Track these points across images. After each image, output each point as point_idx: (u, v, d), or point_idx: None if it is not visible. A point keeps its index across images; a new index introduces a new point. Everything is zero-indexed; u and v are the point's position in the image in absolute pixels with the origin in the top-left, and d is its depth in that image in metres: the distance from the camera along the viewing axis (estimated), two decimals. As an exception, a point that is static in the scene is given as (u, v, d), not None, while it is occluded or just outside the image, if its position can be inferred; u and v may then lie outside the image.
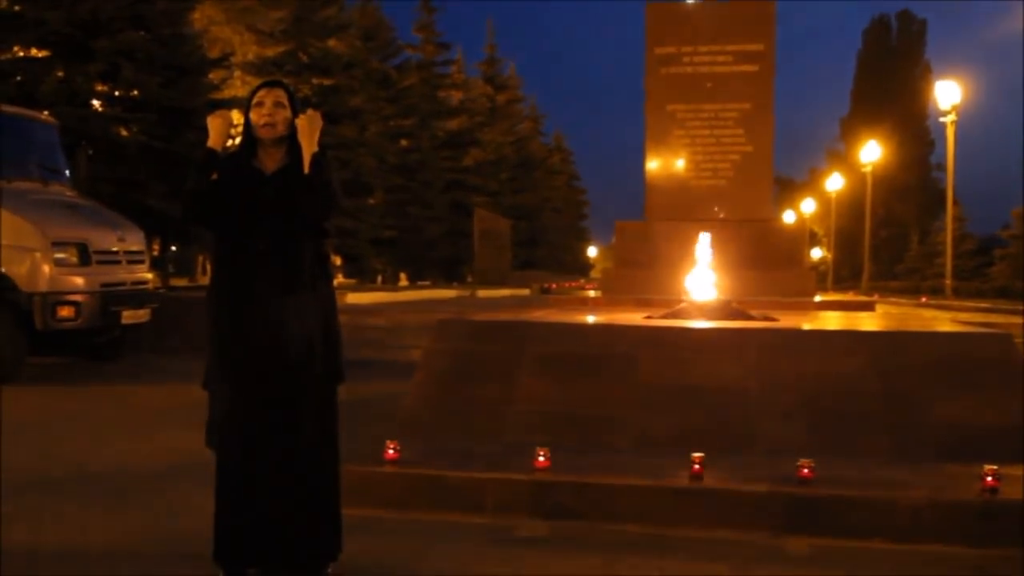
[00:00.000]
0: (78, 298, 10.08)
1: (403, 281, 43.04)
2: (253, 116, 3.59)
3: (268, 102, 3.59)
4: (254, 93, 3.64)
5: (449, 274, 43.94)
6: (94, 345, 11.36)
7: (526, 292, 31.77)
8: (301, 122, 3.57)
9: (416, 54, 46.14)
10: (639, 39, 11.68)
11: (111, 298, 10.55)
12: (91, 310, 10.22)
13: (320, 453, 3.59)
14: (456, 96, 50.67)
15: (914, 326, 7.20)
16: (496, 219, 39.12)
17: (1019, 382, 5.54)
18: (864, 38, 66.72)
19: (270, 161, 3.62)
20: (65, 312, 9.93)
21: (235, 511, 3.52)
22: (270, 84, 3.71)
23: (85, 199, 11.80)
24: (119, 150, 20.31)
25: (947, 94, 24.99)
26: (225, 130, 3.64)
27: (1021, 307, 18.01)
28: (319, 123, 3.61)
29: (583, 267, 74.95)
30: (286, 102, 3.62)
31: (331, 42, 33.43)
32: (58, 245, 10.05)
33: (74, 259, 10.21)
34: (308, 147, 3.54)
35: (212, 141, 3.59)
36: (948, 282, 25.26)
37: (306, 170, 3.51)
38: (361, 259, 33.45)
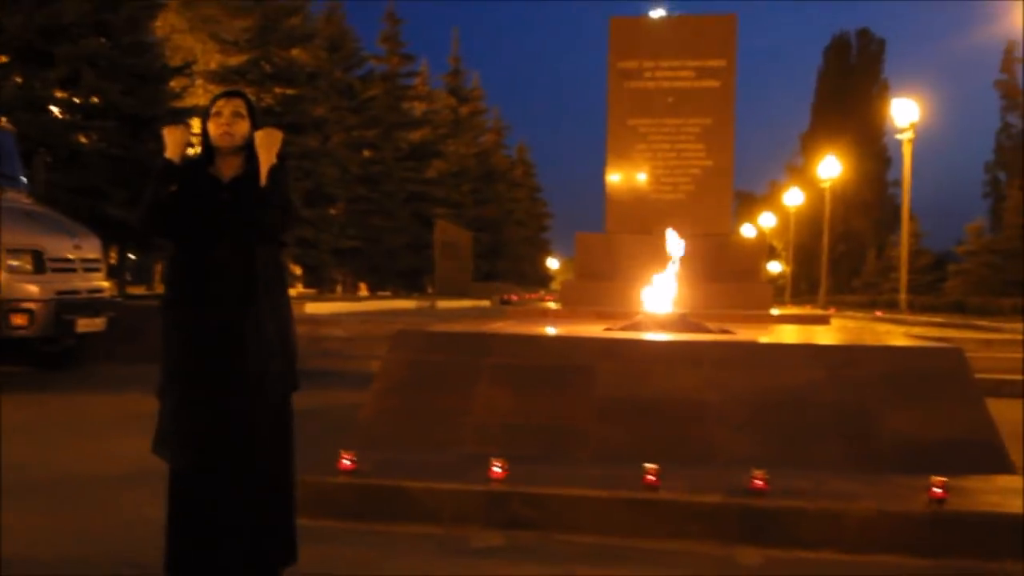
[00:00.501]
0: (32, 306, 9.97)
1: (363, 291, 42.87)
2: (211, 126, 3.58)
3: (226, 112, 3.58)
4: (213, 103, 3.63)
5: (410, 285, 43.82)
6: (48, 354, 11.22)
7: (487, 303, 31.73)
8: (259, 136, 3.58)
9: (380, 65, 46.07)
10: (603, 53, 11.77)
11: (66, 306, 10.44)
12: (45, 318, 10.10)
13: (275, 463, 3.57)
14: (420, 107, 50.63)
15: (868, 340, 7.29)
16: (458, 231, 39.08)
17: (969, 396, 5.64)
18: (824, 56, 67.48)
19: (227, 170, 3.60)
20: (18, 320, 9.81)
21: (187, 522, 3.49)
22: (229, 94, 3.69)
23: (41, 206, 11.67)
24: (78, 157, 20.13)
25: (904, 112, 25.32)
26: (182, 141, 3.63)
27: (974, 322, 18.26)
28: (278, 137, 3.61)
29: (544, 279, 74.99)
30: (244, 112, 3.61)
31: (295, 52, 33.30)
32: (12, 252, 9.93)
33: (28, 266, 10.09)
34: (266, 160, 3.55)
35: (170, 152, 3.58)
36: (903, 297, 25.55)
37: (263, 182, 3.52)
38: (321, 269, 33.31)
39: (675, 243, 8.03)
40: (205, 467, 3.47)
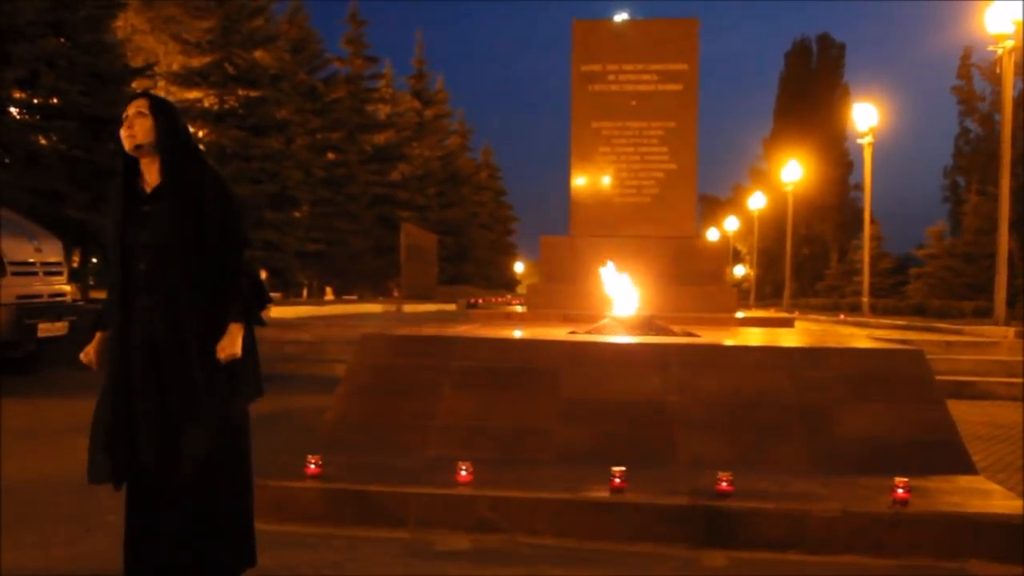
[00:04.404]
0: (-8, 310, 9.83)
1: (329, 295, 42.68)
2: (122, 131, 3.53)
3: (131, 114, 3.52)
4: (125, 108, 3.58)
5: (375, 288, 43.70)
6: (9, 359, 11.06)
7: (453, 307, 31.71)
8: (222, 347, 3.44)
9: (344, 67, 45.93)
10: (567, 56, 11.79)
11: (27, 311, 10.30)
12: (6, 323, 9.97)
13: (231, 466, 3.52)
14: (384, 110, 50.54)
15: (831, 342, 7.35)
16: (423, 234, 38.97)
17: (931, 397, 5.70)
18: (786, 60, 67.91)
19: (151, 176, 3.54)
20: (-23, 325, 9.68)
21: (142, 528, 3.46)
22: (133, 97, 3.63)
23: (1, 209, 11.52)
24: (37, 159, 19.91)
25: (864, 116, 25.57)
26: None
27: (935, 324, 18.48)
28: (233, 340, 3.46)
29: (510, 282, 74.99)
30: (147, 110, 3.52)
31: (258, 53, 33.11)
32: (-30, 256, 9.79)
33: (-13, 270, 9.96)
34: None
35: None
36: (865, 300, 25.79)
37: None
38: (286, 272, 33.11)
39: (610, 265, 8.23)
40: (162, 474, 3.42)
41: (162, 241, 3.43)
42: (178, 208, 3.45)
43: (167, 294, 3.42)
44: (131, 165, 3.56)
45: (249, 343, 3.52)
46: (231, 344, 3.42)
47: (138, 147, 3.49)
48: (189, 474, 3.39)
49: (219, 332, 3.43)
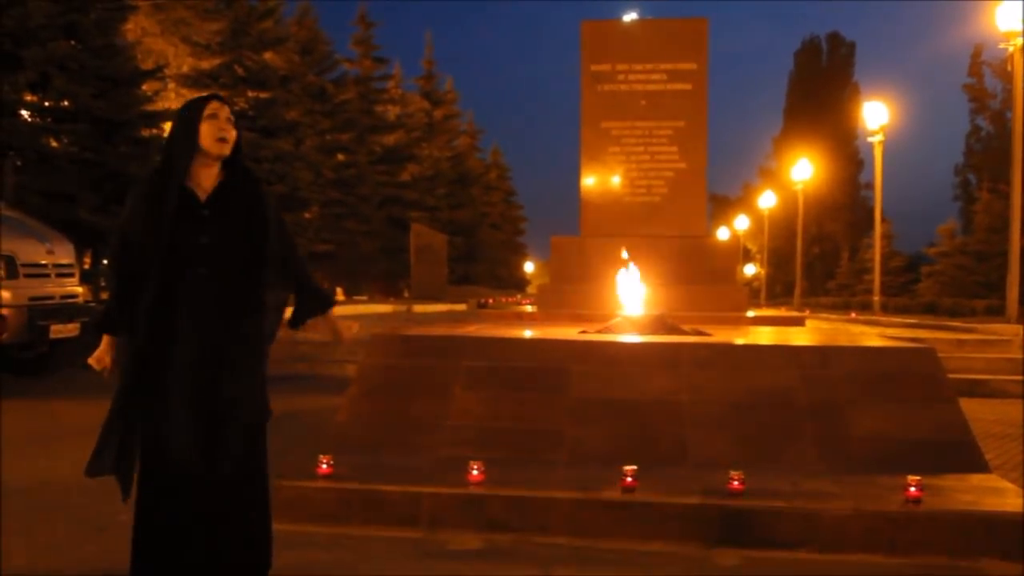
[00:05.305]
0: (4, 312, 9.86)
1: (339, 296, 42.73)
2: (207, 128, 3.42)
3: (223, 116, 3.46)
4: (204, 105, 3.47)
5: (386, 289, 43.76)
6: (21, 360, 11.11)
7: (463, 307, 31.72)
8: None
9: (353, 68, 46.02)
10: (576, 56, 11.79)
11: (39, 312, 10.34)
12: (18, 324, 10.00)
13: (247, 468, 3.51)
14: (393, 111, 50.61)
15: (842, 341, 7.32)
16: (433, 234, 39.01)
17: (943, 395, 5.68)
18: (795, 59, 67.90)
19: (205, 180, 3.48)
20: (-9, 326, 9.71)
21: (156, 531, 3.42)
22: (220, 98, 3.56)
23: (13, 211, 11.57)
24: (49, 161, 19.98)
25: (874, 115, 25.52)
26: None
27: (947, 323, 18.41)
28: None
29: (520, 282, 75.04)
30: (233, 118, 3.52)
31: (268, 55, 33.23)
32: (-17, 257, 9.83)
33: (1, 272, 9.98)
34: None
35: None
36: (876, 298, 25.74)
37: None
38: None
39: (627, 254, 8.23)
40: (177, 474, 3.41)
41: (227, 245, 3.42)
42: (246, 213, 3.47)
43: (227, 296, 3.41)
44: (181, 165, 3.45)
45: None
46: (347, 327, 3.73)
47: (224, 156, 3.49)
48: (227, 472, 3.40)
49: (268, 331, 3.53)
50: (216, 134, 3.43)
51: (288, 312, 3.70)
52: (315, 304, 3.71)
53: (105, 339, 3.56)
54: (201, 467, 3.37)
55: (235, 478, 3.45)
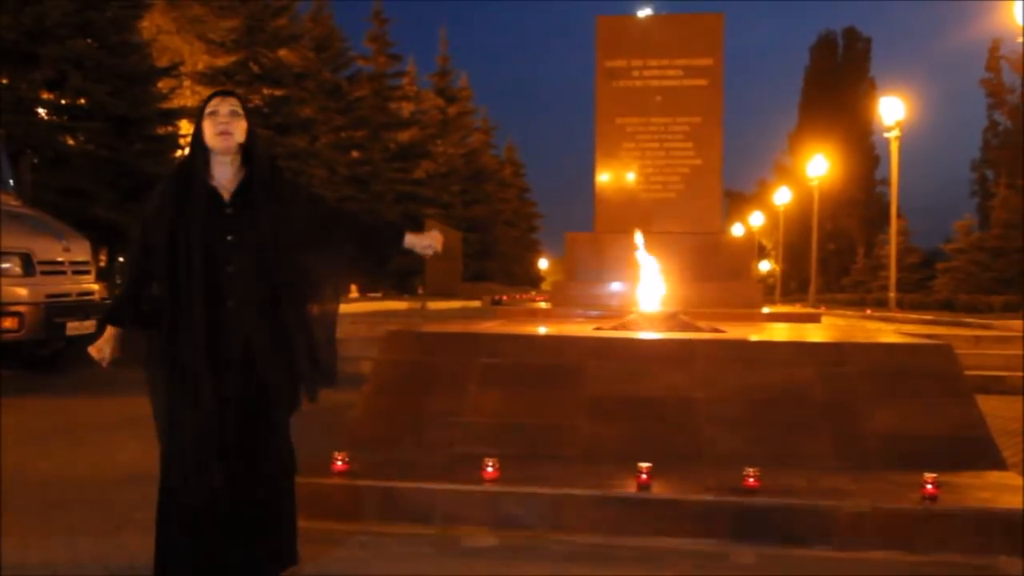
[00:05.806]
0: (21, 309, 9.92)
1: (354, 292, 42.75)
2: (208, 125, 3.42)
3: (223, 110, 3.45)
4: (206, 103, 3.48)
5: (400, 286, 43.80)
6: (38, 357, 11.17)
7: (477, 304, 31.72)
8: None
9: (368, 65, 46.03)
10: (591, 52, 11.77)
11: (56, 309, 10.40)
12: (35, 321, 10.05)
13: (277, 461, 3.53)
14: (407, 108, 50.60)
15: (858, 337, 7.29)
16: (447, 231, 39.07)
17: (959, 392, 5.65)
18: (811, 54, 67.51)
19: (227, 177, 3.48)
20: (8, 323, 9.77)
21: (180, 524, 3.41)
22: (224, 93, 3.55)
23: (29, 208, 11.62)
24: (65, 159, 20.07)
25: (891, 110, 25.39)
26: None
27: (963, 319, 18.33)
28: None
29: (534, 279, 74.95)
30: (240, 110, 3.49)
31: (282, 52, 33.29)
32: (1, 255, 9.88)
33: (18, 269, 10.04)
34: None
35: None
36: (892, 295, 25.60)
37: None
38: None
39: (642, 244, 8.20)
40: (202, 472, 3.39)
41: (257, 242, 3.41)
42: (275, 209, 3.46)
43: (262, 293, 3.42)
44: (199, 165, 3.46)
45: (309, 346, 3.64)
46: (434, 238, 3.84)
47: (231, 150, 3.46)
48: (265, 467, 3.46)
49: (304, 326, 3.55)
50: (215, 130, 3.43)
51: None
52: (386, 242, 3.79)
53: (109, 331, 3.57)
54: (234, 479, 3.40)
55: (272, 470, 3.47)
